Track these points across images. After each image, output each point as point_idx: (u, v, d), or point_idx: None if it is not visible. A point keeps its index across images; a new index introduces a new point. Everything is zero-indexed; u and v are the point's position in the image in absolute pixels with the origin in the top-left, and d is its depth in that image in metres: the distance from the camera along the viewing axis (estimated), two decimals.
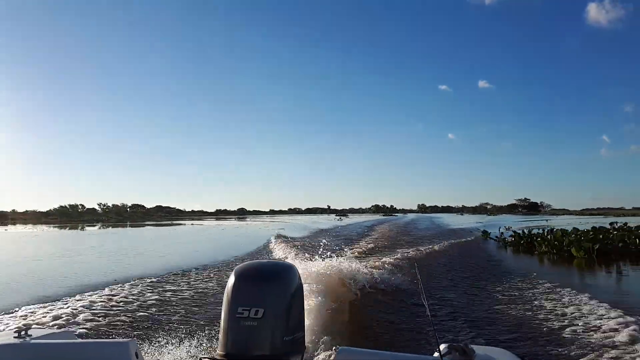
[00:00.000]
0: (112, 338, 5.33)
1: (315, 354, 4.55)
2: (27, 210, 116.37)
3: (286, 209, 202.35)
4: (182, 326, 6.18)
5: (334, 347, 4.58)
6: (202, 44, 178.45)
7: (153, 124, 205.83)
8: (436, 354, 1.97)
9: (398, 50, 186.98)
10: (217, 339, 2.31)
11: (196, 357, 4.59)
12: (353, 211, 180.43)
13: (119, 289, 8.63)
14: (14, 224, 73.20)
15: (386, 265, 10.39)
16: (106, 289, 8.57)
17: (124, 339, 2.11)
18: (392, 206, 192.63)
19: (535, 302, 7.72)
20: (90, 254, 19.77)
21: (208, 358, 2.19)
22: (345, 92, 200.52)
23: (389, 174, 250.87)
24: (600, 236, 17.88)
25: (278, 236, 23.30)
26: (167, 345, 5.14)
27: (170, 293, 8.46)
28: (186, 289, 8.97)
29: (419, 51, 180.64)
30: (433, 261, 13.32)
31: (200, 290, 8.81)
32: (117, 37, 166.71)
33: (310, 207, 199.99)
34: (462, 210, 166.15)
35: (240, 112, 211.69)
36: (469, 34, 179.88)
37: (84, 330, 5.69)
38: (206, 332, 5.72)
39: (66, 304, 7.24)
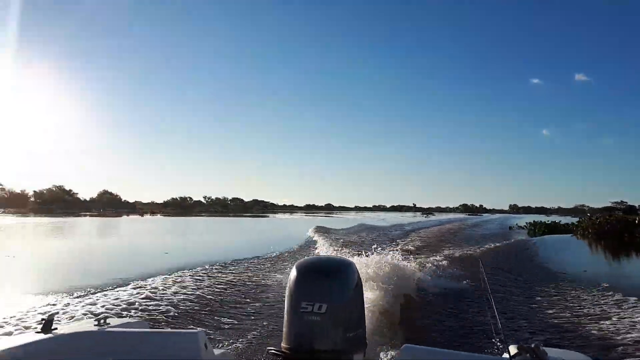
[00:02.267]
0: (182, 328, 5.44)
1: (377, 351, 4.46)
2: (150, 202, 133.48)
3: (371, 206, 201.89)
4: (245, 318, 6.25)
5: (396, 345, 4.47)
6: (294, 43, 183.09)
7: (251, 124, 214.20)
8: (505, 355, 1.85)
9: (485, 41, 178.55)
10: (281, 332, 2.30)
11: (262, 348, 4.68)
12: (440, 210, 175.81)
13: (187, 277, 8.94)
14: (141, 214, 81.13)
15: (448, 262, 10.04)
16: (173, 275, 8.93)
17: (194, 330, 2.14)
18: (481, 205, 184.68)
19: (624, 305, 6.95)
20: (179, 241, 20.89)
21: (275, 350, 2.18)
22: (434, 88, 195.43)
23: (480, 171, 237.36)
24: None
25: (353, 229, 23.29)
26: (232, 336, 5.26)
27: (234, 283, 8.63)
28: (249, 280, 9.12)
29: (507, 43, 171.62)
30: (499, 258, 12.68)
31: (263, 282, 8.93)
32: (214, 39, 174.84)
33: (395, 204, 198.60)
34: (557, 211, 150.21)
35: (330, 109, 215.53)
36: (564, 24, 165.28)
37: (156, 319, 5.87)
38: (269, 324, 5.76)
39: (138, 290, 7.50)
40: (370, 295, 6.00)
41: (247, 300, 7.47)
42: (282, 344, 2.22)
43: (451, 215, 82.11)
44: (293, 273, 2.30)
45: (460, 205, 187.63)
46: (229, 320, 6.11)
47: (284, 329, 2.24)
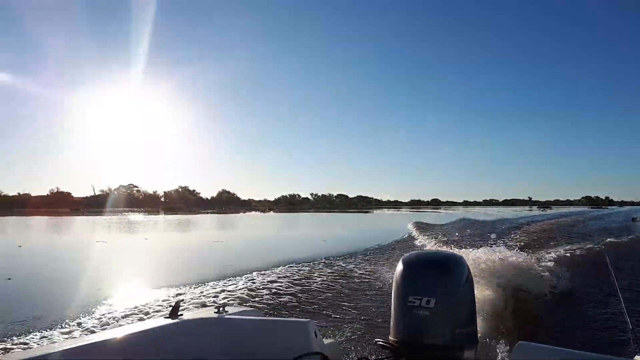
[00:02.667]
0: (293, 317, 5.69)
1: (490, 348, 4.26)
2: (263, 200, 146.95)
3: (481, 200, 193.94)
4: (351, 309, 6.33)
5: (510, 342, 4.23)
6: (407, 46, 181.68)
7: (358, 122, 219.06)
8: (638, 357, 1.70)
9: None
10: (388, 325, 2.32)
11: (369, 340, 4.74)
12: (559, 203, 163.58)
13: (298, 269, 9.27)
14: (262, 211, 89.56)
15: (566, 256, 9.16)
16: (284, 267, 9.33)
17: (304, 319, 2.21)
18: (607, 198, 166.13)
19: None
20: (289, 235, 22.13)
21: (382, 342, 2.22)
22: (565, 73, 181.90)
23: (605, 159, 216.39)
24: None
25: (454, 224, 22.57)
26: (339, 326, 5.39)
27: (340, 276, 8.77)
28: (357, 271, 9.24)
29: None
30: (627, 252, 11.20)
31: (368, 276, 8.94)
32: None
33: (509, 198, 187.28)
34: None
35: (438, 105, 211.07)
36: None
37: (269, 308, 6.20)
38: (375, 317, 5.77)
39: (254, 280, 7.93)
40: (480, 290, 5.73)
41: (353, 292, 7.55)
42: (389, 337, 2.25)
43: (573, 208, 74.70)
44: (400, 267, 2.31)
45: (582, 198, 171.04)
46: (336, 311, 6.25)
47: (392, 322, 2.26)
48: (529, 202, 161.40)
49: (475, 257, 6.84)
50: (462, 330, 2.14)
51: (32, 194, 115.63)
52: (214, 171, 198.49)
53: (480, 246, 8.23)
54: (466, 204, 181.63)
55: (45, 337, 4.99)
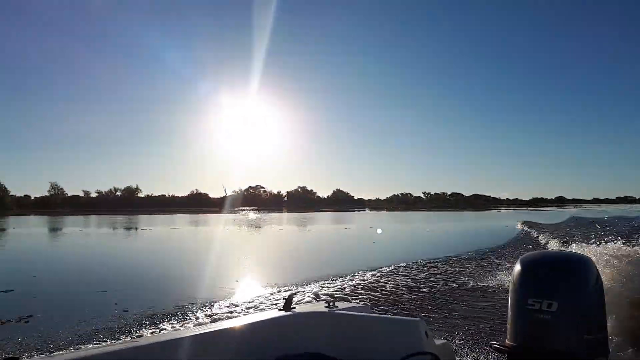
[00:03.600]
0: (402, 315, 5.62)
1: (623, 358, 3.70)
2: (375, 199, 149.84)
3: (613, 198, 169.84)
4: (464, 310, 6.09)
5: None
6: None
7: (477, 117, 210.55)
8: None
9: None
10: (504, 328, 2.17)
11: (483, 342, 4.46)
12: None
13: (407, 267, 9.19)
14: (371, 209, 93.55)
15: None
16: (393, 266, 9.26)
17: (414, 318, 2.14)
18: None
19: None
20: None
21: (499, 345, 2.08)
22: None
23: None
24: None
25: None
26: (451, 327, 5.17)
27: (451, 276, 8.50)
28: (469, 271, 8.88)
29: None
30: None
31: (481, 277, 8.52)
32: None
33: None
34: None
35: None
36: None
37: (378, 305, 6.19)
38: (490, 319, 5.48)
39: (363, 277, 8.02)
40: (612, 294, 5.01)
41: (465, 292, 7.26)
42: (506, 340, 2.10)
43: None
44: (517, 268, 2.16)
45: None
46: (447, 311, 6.06)
47: (508, 325, 2.12)
48: None
49: (604, 257, 6.03)
50: (590, 337, 1.92)
51: (176, 195, 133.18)
52: (328, 171, 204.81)
53: (610, 246, 7.21)
54: (596, 201, 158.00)
55: (177, 318, 5.55)
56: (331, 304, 2.44)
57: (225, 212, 77.07)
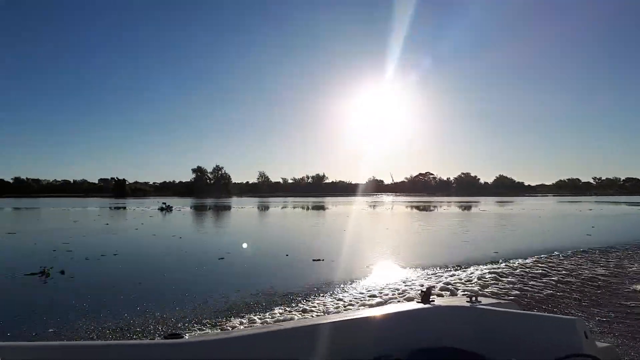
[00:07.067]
0: (557, 313, 5.01)
1: None
2: (540, 184, 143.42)
3: None
4: (629, 307, 5.26)
5: None
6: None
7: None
8: None
9: None
10: None
11: None
12: None
13: (559, 259, 8.13)
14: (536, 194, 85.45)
15: None
16: (544, 257, 8.36)
17: (571, 316, 1.91)
18: None
19: None
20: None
21: None
22: None
23: None
24: None
25: None
26: (614, 327, 4.54)
27: (613, 267, 7.42)
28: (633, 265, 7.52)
29: None
30: None
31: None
32: None
33: None
34: None
35: None
36: None
37: (526, 301, 5.56)
38: None
39: (507, 269, 7.26)
40: None
41: (627, 288, 6.22)
42: None
43: None
44: None
45: None
46: (609, 310, 5.23)
47: None
48: None
49: None
50: None
51: (354, 182, 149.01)
52: (489, 156, 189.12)
53: None
54: None
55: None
56: (473, 298, 2.31)
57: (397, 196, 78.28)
